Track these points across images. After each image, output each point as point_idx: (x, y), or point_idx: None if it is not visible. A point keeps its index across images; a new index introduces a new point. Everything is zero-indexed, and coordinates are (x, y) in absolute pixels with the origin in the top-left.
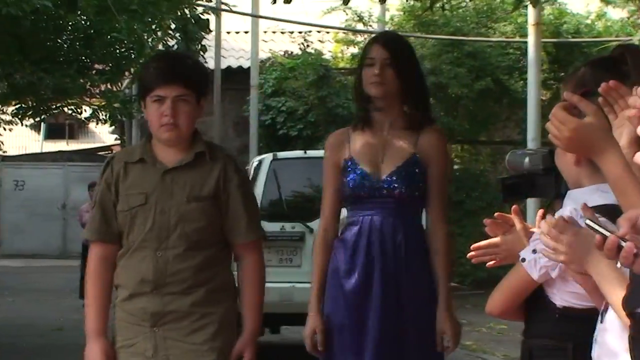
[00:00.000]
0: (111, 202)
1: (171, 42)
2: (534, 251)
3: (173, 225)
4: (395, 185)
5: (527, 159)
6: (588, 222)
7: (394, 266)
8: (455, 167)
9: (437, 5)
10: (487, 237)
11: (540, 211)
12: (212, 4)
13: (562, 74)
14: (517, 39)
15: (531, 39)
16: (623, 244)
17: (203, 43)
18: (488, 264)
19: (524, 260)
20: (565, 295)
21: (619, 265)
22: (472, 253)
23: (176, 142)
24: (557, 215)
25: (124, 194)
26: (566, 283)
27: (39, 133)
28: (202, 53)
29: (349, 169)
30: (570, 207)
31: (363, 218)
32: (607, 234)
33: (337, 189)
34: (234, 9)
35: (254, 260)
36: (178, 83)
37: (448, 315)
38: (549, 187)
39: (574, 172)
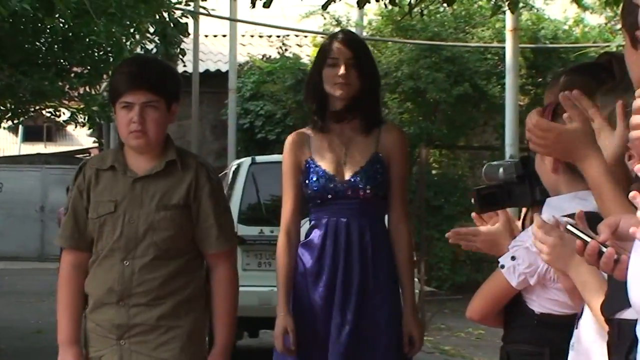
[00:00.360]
0: (83, 209)
1: (150, 46)
2: (513, 258)
3: (141, 234)
4: (360, 185)
5: (501, 170)
6: (569, 227)
7: (360, 268)
8: (434, 172)
9: (416, 10)
10: None
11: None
12: (190, 8)
13: (540, 79)
14: (495, 44)
15: (509, 45)
16: (604, 249)
17: (182, 47)
18: (463, 245)
19: (503, 267)
20: (544, 302)
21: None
22: (450, 234)
23: (145, 149)
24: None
25: (94, 200)
26: (546, 290)
27: (16, 135)
28: (181, 57)
29: (311, 171)
30: (547, 214)
31: (328, 220)
32: (588, 239)
33: (298, 190)
34: (211, 12)
35: (226, 271)
36: (146, 89)
37: (414, 316)
38: (524, 195)
39: (552, 180)
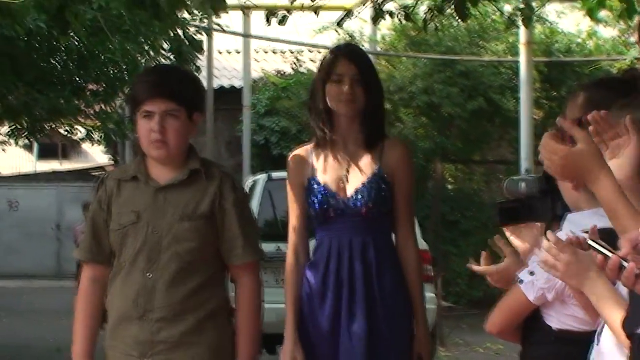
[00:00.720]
0: (103, 221)
1: (165, 63)
2: (532, 273)
3: (165, 245)
4: (362, 202)
5: (523, 184)
6: (590, 242)
7: (363, 286)
8: (450, 187)
9: (431, 25)
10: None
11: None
12: (204, 25)
13: (554, 93)
14: (509, 58)
15: (523, 59)
16: (625, 264)
17: (197, 64)
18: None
19: (521, 282)
20: (563, 318)
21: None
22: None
23: (166, 159)
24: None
25: (117, 212)
26: (565, 306)
27: (31, 153)
28: (196, 74)
29: (314, 189)
30: (566, 230)
31: (332, 239)
32: (609, 254)
33: (304, 209)
34: (225, 29)
35: (251, 283)
36: (167, 98)
37: (425, 335)
38: (546, 210)
39: (574, 197)
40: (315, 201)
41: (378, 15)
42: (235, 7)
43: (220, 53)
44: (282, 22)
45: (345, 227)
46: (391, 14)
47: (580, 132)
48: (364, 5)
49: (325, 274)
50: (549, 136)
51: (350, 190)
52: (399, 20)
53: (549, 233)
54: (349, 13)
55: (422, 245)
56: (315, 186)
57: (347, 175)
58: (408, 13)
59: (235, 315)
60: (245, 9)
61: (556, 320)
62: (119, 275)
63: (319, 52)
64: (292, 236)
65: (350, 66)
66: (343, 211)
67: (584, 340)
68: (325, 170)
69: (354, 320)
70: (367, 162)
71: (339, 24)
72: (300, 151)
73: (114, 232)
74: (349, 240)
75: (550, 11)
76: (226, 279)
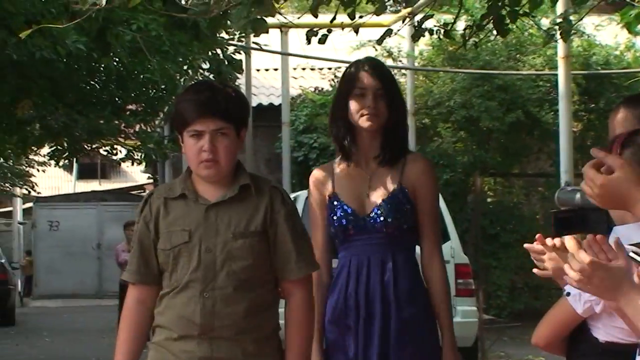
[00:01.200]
0: (150, 241)
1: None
2: None
3: (220, 263)
4: (381, 219)
5: (578, 195)
6: (632, 254)
7: (380, 307)
8: (489, 200)
9: (470, 42)
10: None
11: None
12: (242, 43)
13: (593, 105)
14: (547, 71)
15: (561, 72)
16: None
17: (237, 83)
18: (534, 269)
19: (568, 294)
20: (610, 330)
21: None
22: (527, 245)
23: (216, 178)
24: None
25: (166, 231)
26: (612, 318)
27: (71, 173)
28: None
29: (334, 206)
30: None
31: (351, 258)
32: None
33: (325, 227)
34: (263, 47)
35: (304, 298)
36: (217, 116)
37: (452, 351)
38: (600, 222)
39: (619, 211)
40: (335, 218)
41: (418, 33)
42: (274, 26)
43: (258, 71)
44: (321, 41)
45: (365, 245)
46: (430, 32)
47: (615, 160)
48: (403, 22)
49: (345, 298)
50: (588, 165)
51: (369, 207)
52: (438, 37)
53: (580, 251)
54: (388, 31)
55: (463, 259)
56: (335, 203)
57: (368, 192)
58: (447, 30)
59: (286, 330)
60: (283, 27)
61: (603, 332)
62: (172, 295)
63: None
64: (316, 256)
65: (373, 80)
66: (362, 228)
67: (631, 352)
68: (345, 187)
69: (370, 343)
70: (388, 178)
71: (379, 41)
72: (321, 169)
73: (164, 251)
74: (367, 259)
75: (588, 24)
76: (279, 301)
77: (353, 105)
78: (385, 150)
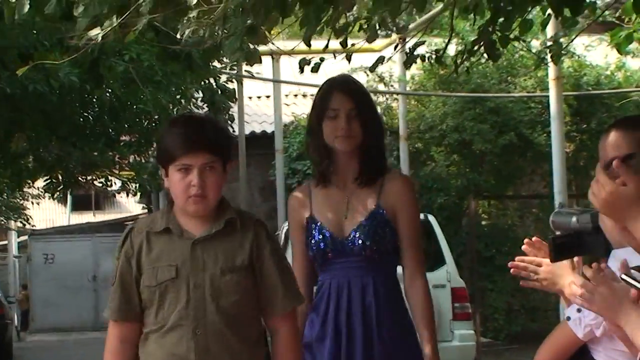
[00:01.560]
0: (132, 278)
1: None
2: (579, 310)
3: (209, 300)
4: (360, 242)
5: (574, 218)
6: (624, 276)
7: (362, 331)
8: (483, 222)
9: (462, 67)
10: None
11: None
12: (234, 72)
13: (585, 125)
14: (538, 93)
15: (552, 93)
16: None
17: (230, 112)
18: (522, 282)
19: (569, 318)
20: (611, 353)
21: None
22: (514, 263)
23: (203, 213)
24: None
25: (150, 267)
26: (613, 341)
27: (65, 205)
28: (230, 122)
29: (312, 229)
30: (612, 265)
31: (331, 282)
32: None
33: (304, 251)
34: (255, 75)
35: (290, 332)
36: (205, 150)
37: None
38: (598, 245)
39: (617, 232)
40: (313, 242)
41: (410, 60)
42: (265, 53)
43: (250, 98)
44: (314, 69)
45: (344, 268)
46: (422, 58)
47: (632, 177)
48: (395, 49)
49: (324, 321)
50: (601, 169)
51: (348, 230)
52: (430, 62)
53: (585, 267)
54: (381, 58)
55: (459, 282)
56: (313, 226)
57: (346, 214)
58: (439, 56)
59: None
60: (275, 54)
61: (603, 355)
62: (160, 334)
63: None
64: None
65: (346, 100)
66: (341, 252)
67: None
68: (323, 209)
69: None
70: (365, 200)
71: (372, 69)
72: (299, 190)
73: (149, 288)
74: (347, 284)
75: (578, 44)
76: (265, 341)
77: (326, 127)
78: (362, 171)
